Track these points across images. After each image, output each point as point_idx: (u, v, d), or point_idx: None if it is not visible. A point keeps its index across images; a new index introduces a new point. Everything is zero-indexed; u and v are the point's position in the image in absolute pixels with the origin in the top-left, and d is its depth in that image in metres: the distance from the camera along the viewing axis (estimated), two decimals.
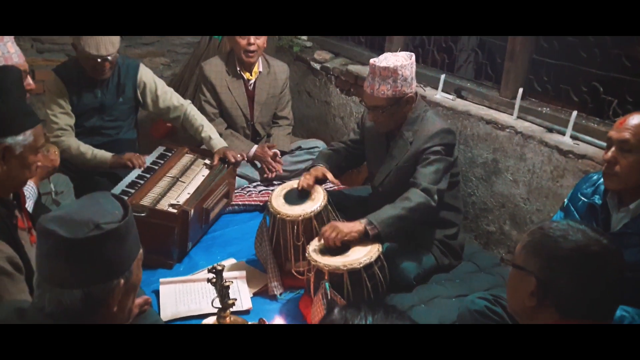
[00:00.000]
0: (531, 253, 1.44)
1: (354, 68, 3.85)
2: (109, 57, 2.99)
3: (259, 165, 3.58)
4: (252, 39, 3.44)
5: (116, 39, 3.01)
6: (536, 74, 2.96)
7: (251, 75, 3.60)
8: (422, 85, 3.38)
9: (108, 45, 2.97)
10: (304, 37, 4.36)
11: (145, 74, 3.26)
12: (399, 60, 2.52)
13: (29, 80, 2.32)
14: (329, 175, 2.79)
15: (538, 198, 2.80)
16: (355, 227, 2.41)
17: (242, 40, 3.44)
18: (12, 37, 2.37)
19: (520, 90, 2.91)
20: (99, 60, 2.98)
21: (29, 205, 2.22)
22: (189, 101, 3.38)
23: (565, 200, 2.19)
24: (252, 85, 3.63)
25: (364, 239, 2.43)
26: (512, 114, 2.95)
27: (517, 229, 2.92)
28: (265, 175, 3.54)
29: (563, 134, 2.73)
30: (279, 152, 3.58)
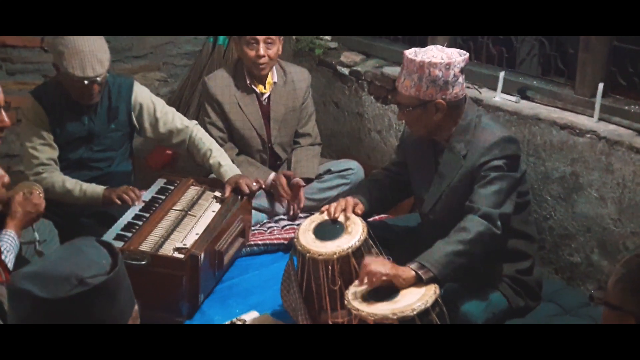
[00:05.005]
0: (628, 288, 1.44)
1: (391, 70, 3.87)
2: (98, 79, 3.02)
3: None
4: (262, 49, 3.44)
5: (105, 57, 3.03)
6: (619, 65, 2.94)
7: (265, 87, 3.64)
8: (476, 87, 3.38)
9: (95, 65, 2.99)
10: (328, 37, 4.40)
11: (141, 94, 3.30)
12: (436, 56, 2.53)
13: (3, 116, 2.36)
14: (358, 207, 2.78)
15: (632, 218, 2.77)
16: (402, 273, 2.39)
17: (250, 51, 3.46)
18: None
19: (601, 85, 2.90)
20: (85, 82, 3.00)
21: (10, 259, 2.27)
22: (194, 122, 3.41)
23: None
24: (266, 99, 3.66)
25: (416, 284, 2.42)
26: (592, 116, 2.93)
27: (608, 259, 2.88)
28: (291, 214, 3.55)
29: None
30: (301, 182, 3.59)
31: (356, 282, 2.51)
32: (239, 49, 3.56)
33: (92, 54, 2.98)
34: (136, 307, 1.41)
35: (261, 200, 3.54)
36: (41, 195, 2.56)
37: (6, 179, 2.00)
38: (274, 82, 3.65)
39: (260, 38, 3.43)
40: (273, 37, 3.46)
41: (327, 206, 2.81)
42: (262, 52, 3.46)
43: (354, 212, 2.76)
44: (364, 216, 2.81)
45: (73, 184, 3.13)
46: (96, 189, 3.14)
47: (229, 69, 3.68)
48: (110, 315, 1.33)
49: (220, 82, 3.62)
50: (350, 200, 2.80)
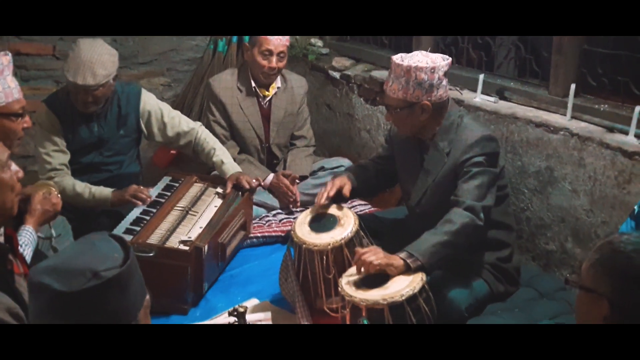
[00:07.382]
0: (601, 272, 1.44)
1: (379, 74, 3.87)
2: (91, 88, 2.97)
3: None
4: (275, 61, 3.46)
5: (102, 72, 2.95)
6: (589, 67, 2.95)
7: (268, 91, 3.64)
8: (458, 89, 3.39)
9: (87, 75, 2.92)
10: (320, 44, 4.40)
11: (149, 101, 3.28)
12: (421, 61, 2.54)
13: (27, 117, 2.37)
14: (346, 188, 2.79)
15: (603, 209, 2.77)
16: (394, 262, 2.41)
17: (263, 61, 3.46)
18: (11, 70, 2.43)
19: (573, 86, 2.90)
20: (82, 89, 2.96)
21: (28, 253, 2.27)
22: (199, 123, 3.41)
23: (636, 207, 2.18)
24: (267, 103, 3.66)
25: (405, 271, 2.42)
26: (565, 114, 2.94)
27: (581, 246, 2.89)
28: (291, 207, 3.55)
29: (626, 133, 2.71)
30: (297, 177, 3.58)
31: (349, 270, 2.52)
32: (249, 56, 3.55)
33: (88, 64, 2.93)
34: (147, 297, 1.40)
35: (260, 196, 3.54)
36: (59, 195, 2.57)
37: (20, 173, 2.01)
38: (277, 87, 3.65)
39: (275, 50, 3.44)
40: (285, 49, 3.48)
41: (319, 194, 2.81)
42: (274, 64, 3.47)
43: (343, 193, 2.77)
44: (352, 194, 2.82)
45: (82, 188, 3.12)
46: (104, 191, 3.12)
47: (233, 72, 3.69)
48: (123, 306, 1.32)
49: (223, 84, 3.62)
50: (337, 181, 2.81)
